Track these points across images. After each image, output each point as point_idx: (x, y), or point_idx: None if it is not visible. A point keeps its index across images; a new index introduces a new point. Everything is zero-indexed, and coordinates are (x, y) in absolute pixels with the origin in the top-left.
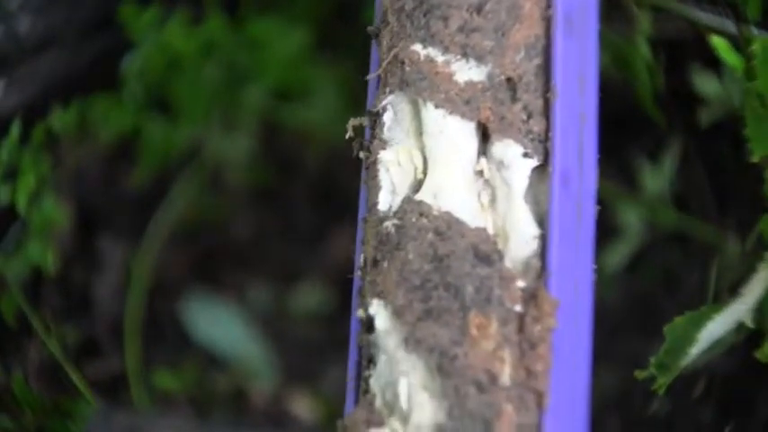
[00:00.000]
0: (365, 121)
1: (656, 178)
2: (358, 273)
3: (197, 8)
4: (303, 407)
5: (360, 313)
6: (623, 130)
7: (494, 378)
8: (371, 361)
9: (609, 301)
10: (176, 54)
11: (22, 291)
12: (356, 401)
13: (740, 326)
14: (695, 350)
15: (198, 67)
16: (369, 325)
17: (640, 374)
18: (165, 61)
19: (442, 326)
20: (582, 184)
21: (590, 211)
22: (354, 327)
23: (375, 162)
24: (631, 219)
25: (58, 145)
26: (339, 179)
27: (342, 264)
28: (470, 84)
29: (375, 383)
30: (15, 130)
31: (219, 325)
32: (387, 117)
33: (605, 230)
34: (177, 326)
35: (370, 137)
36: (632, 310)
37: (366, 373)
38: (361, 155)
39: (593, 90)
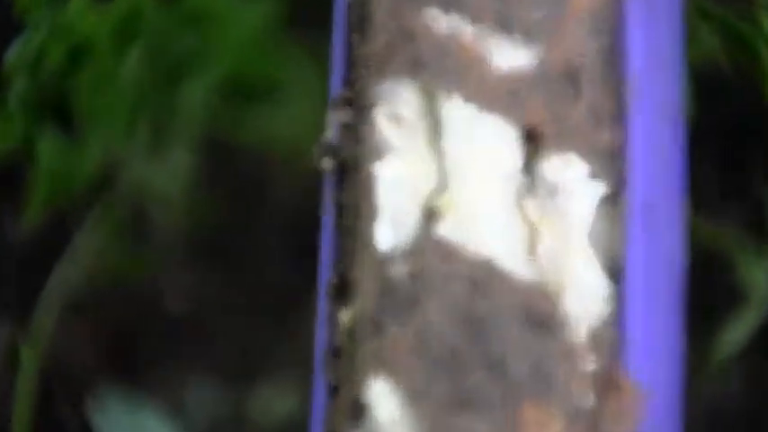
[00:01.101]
0: (345, 115)
1: None
2: (327, 334)
3: None
4: None
5: (348, 394)
6: (743, 144)
7: None
8: None
9: (723, 398)
10: (83, 39)
11: None
12: None
13: None
14: None
15: (114, 58)
16: (359, 411)
17: None
18: (67, 50)
19: (483, 420)
20: (670, 220)
21: (678, 257)
22: (318, 413)
23: (368, 178)
24: (758, 277)
25: None
26: (318, 216)
27: None
28: (515, 71)
29: None
30: None
31: None
32: (382, 112)
33: (719, 294)
34: None
35: (338, 138)
36: (759, 411)
37: None
38: (326, 164)
39: (677, 79)
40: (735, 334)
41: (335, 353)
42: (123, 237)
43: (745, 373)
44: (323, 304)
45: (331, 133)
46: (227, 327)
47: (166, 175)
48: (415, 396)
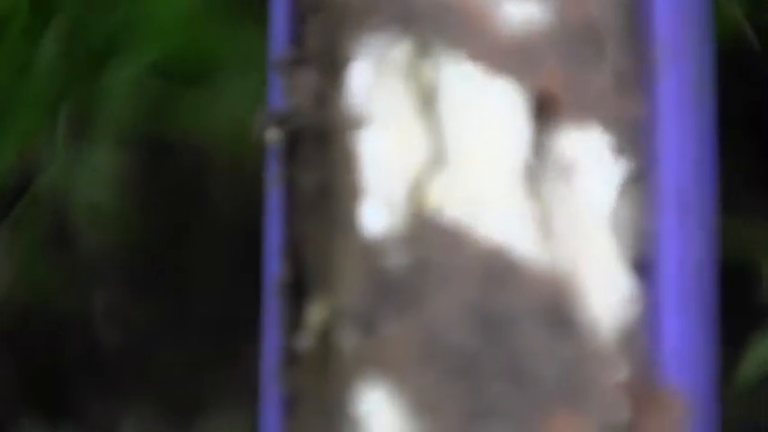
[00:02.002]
0: (311, 77)
1: None
2: (280, 337)
3: None
4: None
5: (320, 407)
6: None
7: None
8: None
9: (749, 427)
10: None
11: None
12: None
13: None
14: None
15: (28, 40)
16: (346, 425)
17: None
18: None
19: None
20: (702, 206)
21: (710, 247)
22: (272, 428)
23: (347, 152)
24: None
25: None
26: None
27: None
28: (528, 26)
29: None
30: None
31: None
32: (358, 72)
33: (749, 309)
34: None
35: (287, 104)
36: None
37: None
38: (271, 134)
39: (708, 42)
40: (764, 352)
41: (292, 359)
42: (45, 251)
43: None
44: (272, 302)
45: (276, 98)
46: (169, 353)
47: (92, 176)
48: (422, 407)
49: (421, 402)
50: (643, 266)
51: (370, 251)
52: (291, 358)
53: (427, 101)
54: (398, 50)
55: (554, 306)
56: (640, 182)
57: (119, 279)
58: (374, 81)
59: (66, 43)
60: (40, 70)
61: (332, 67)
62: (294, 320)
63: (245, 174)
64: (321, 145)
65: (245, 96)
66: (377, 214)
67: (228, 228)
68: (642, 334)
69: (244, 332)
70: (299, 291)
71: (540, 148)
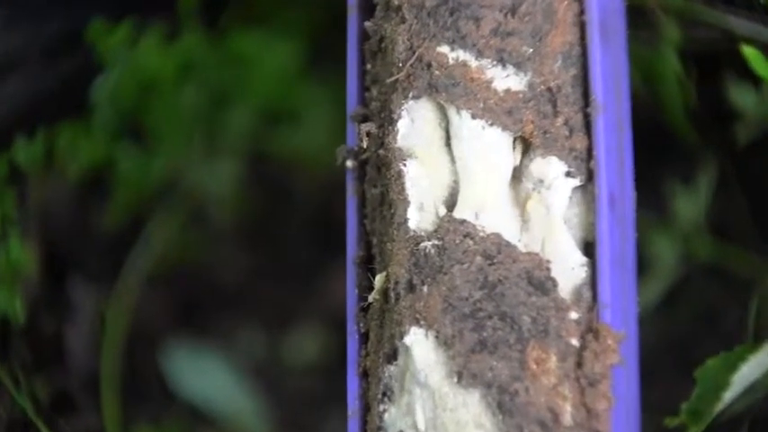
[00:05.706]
0: (372, 127)
1: (691, 204)
2: (355, 294)
3: (173, 22)
4: None
5: (381, 339)
6: (653, 151)
7: (556, 417)
8: (386, 395)
9: (643, 341)
10: (151, 75)
11: None
12: None
13: None
14: (729, 395)
15: (175, 90)
16: (393, 355)
17: (671, 422)
18: (138, 84)
19: (499, 359)
20: (625, 206)
21: (632, 234)
22: (352, 354)
23: (399, 175)
24: (664, 250)
25: (23, 179)
26: (336, 210)
27: (342, 305)
28: (510, 93)
29: (400, 420)
30: None
31: (206, 376)
32: (402, 124)
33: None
34: (159, 378)
35: (360, 144)
36: (668, 350)
37: (380, 407)
38: (349, 164)
39: (627, 99)
40: (649, 293)
41: (364, 308)
42: (185, 226)
43: (659, 322)
44: (351, 271)
45: (351, 140)
46: (265, 291)
47: (218, 178)
48: (446, 342)
49: (443, 337)
50: (587, 246)
51: (411, 239)
52: (363, 308)
53: (444, 142)
54: (423, 111)
55: (529, 273)
56: (584, 191)
57: (234, 244)
58: (412, 130)
59: (198, 92)
60: (183, 110)
61: (386, 121)
62: (366, 284)
63: (315, 179)
64: (380, 170)
65: (315, 131)
66: (416, 215)
67: (304, 212)
68: (588, 290)
69: (315, 277)
70: (369, 265)
71: (520, 171)
